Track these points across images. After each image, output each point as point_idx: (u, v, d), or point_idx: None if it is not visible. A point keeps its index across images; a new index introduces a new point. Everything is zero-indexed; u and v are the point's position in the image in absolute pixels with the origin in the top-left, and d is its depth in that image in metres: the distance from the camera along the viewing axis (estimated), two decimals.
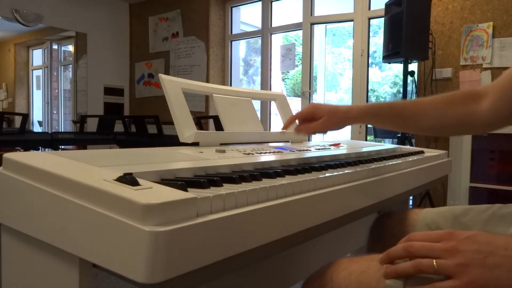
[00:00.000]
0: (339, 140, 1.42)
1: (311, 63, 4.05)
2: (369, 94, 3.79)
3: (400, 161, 1.03)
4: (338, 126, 0.94)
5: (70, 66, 5.62)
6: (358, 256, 0.68)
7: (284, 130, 1.06)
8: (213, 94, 1.13)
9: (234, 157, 0.83)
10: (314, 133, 0.96)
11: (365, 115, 0.92)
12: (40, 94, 5.79)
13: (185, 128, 0.97)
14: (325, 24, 4.49)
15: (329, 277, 0.67)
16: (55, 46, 5.70)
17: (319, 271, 0.70)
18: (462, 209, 0.92)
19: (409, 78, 2.95)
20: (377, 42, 4.62)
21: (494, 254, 0.49)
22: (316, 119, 0.93)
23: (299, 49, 4.49)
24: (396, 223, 1.00)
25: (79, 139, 3.77)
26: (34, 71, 5.85)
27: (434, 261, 0.51)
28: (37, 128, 5.82)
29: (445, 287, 0.50)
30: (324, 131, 0.94)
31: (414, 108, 0.89)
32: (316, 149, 1.14)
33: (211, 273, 0.47)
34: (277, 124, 4.49)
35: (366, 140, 3.79)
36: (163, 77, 1.00)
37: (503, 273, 0.48)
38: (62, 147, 3.58)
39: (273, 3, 4.43)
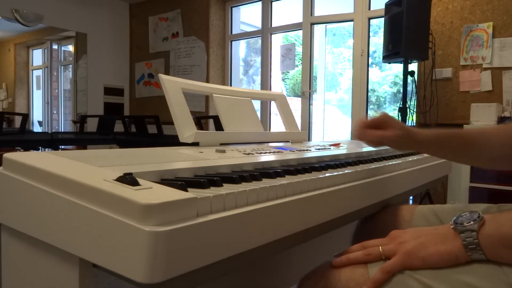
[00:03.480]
0: (339, 140, 1.42)
1: (311, 63, 4.05)
2: (369, 94, 3.79)
3: (400, 161, 1.03)
4: (405, 145, 0.85)
5: (70, 66, 5.61)
6: None
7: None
8: (213, 94, 1.13)
9: (234, 157, 0.83)
10: (379, 143, 0.85)
11: (433, 143, 0.84)
12: (40, 94, 5.79)
13: (185, 128, 0.97)
14: (325, 24, 4.49)
15: (320, 275, 0.69)
16: (55, 46, 5.70)
17: (313, 270, 0.72)
18: (460, 207, 0.92)
19: (409, 78, 2.95)
20: (377, 42, 4.62)
21: (424, 233, 0.63)
22: (381, 129, 0.85)
23: (299, 49, 4.49)
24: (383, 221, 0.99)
25: (79, 139, 3.76)
26: (34, 71, 5.85)
27: (380, 247, 0.64)
28: (37, 128, 5.81)
29: (388, 264, 0.61)
30: (390, 144, 0.84)
31: (483, 136, 0.80)
32: (316, 149, 1.14)
33: (211, 273, 0.47)
34: (277, 124, 4.49)
35: None
36: (163, 77, 1.00)
37: (428, 239, 0.61)
38: (62, 147, 3.58)
39: (273, 3, 4.43)
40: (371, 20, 3.70)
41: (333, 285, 0.66)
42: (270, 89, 4.47)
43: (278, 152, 0.98)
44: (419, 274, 0.60)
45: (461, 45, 3.04)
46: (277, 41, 4.95)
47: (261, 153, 0.93)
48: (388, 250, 0.62)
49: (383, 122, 0.85)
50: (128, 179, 0.48)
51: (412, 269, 0.60)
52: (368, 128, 0.85)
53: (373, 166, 0.89)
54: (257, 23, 4.60)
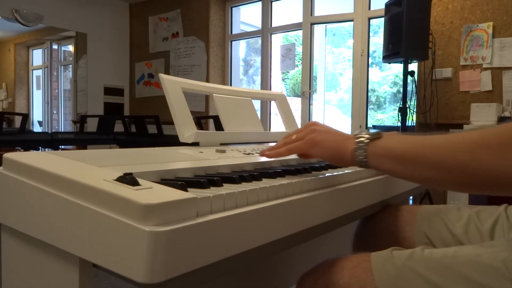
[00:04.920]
0: None
1: (311, 63, 4.05)
2: (369, 94, 3.79)
3: None
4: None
5: (70, 66, 5.61)
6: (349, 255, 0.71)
7: None
8: (213, 94, 1.12)
9: (234, 157, 0.83)
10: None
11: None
12: (40, 94, 5.79)
13: (185, 128, 0.97)
14: (325, 24, 4.49)
15: (321, 272, 0.69)
16: (55, 46, 5.70)
17: (312, 268, 0.72)
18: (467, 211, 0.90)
19: (409, 78, 2.95)
20: (377, 42, 4.62)
21: (332, 132, 0.72)
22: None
23: (299, 49, 4.49)
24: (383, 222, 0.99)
25: (79, 139, 3.76)
26: (34, 71, 5.85)
27: (294, 136, 0.75)
28: (37, 128, 5.81)
29: (293, 145, 0.73)
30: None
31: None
32: None
33: (211, 273, 0.47)
34: (277, 124, 4.49)
35: None
36: (163, 77, 0.99)
37: (330, 137, 0.70)
38: (62, 147, 3.58)
39: (273, 3, 4.43)
40: (371, 20, 3.70)
41: (334, 282, 0.66)
42: (270, 89, 4.47)
43: None
44: (421, 268, 0.61)
45: (461, 45, 3.04)
46: (277, 41, 4.95)
47: None
48: (299, 136, 0.74)
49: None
50: (128, 179, 0.48)
51: (309, 156, 0.74)
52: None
53: None
54: (257, 23, 4.60)
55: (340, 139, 0.70)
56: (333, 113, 6.61)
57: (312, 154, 0.72)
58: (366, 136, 0.66)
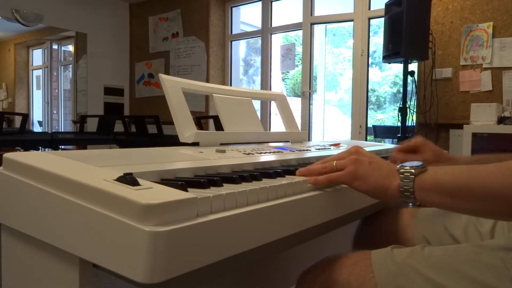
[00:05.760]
0: (339, 140, 1.42)
1: (311, 63, 4.05)
2: (369, 94, 3.79)
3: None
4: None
5: (70, 66, 5.61)
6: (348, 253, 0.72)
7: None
8: (213, 94, 1.12)
9: (234, 157, 0.83)
10: None
11: None
12: (40, 94, 5.79)
13: (185, 128, 0.97)
14: (325, 24, 4.49)
15: (321, 270, 0.69)
16: (55, 46, 5.70)
17: (312, 265, 0.73)
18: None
19: (409, 78, 2.95)
20: (377, 42, 4.62)
21: (376, 165, 0.67)
22: (416, 153, 0.90)
23: (299, 49, 4.49)
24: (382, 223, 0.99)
25: (79, 139, 3.76)
26: (34, 71, 5.85)
27: (334, 162, 0.69)
28: (37, 128, 5.82)
29: (333, 175, 0.68)
30: None
31: None
32: (316, 149, 1.14)
33: (211, 273, 0.47)
34: (277, 124, 4.49)
35: (366, 140, 3.79)
36: (163, 77, 0.99)
37: (375, 169, 0.66)
38: (62, 147, 3.57)
39: (273, 3, 4.43)
40: (371, 20, 3.70)
41: (334, 280, 0.66)
42: (270, 89, 4.46)
43: (278, 152, 0.98)
44: (422, 267, 0.61)
45: (461, 45, 3.04)
46: (277, 41, 4.95)
47: (261, 153, 0.93)
48: (340, 164, 0.69)
49: (417, 146, 0.90)
50: (128, 179, 0.48)
51: (350, 186, 0.68)
52: (402, 152, 0.91)
53: None
54: (257, 23, 4.60)
55: (384, 174, 0.66)
56: (333, 113, 6.61)
57: (353, 187, 0.68)
58: (412, 170, 0.63)
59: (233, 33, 4.75)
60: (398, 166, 0.65)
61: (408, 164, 0.64)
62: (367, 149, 1.22)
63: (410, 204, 0.66)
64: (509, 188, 0.54)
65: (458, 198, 0.59)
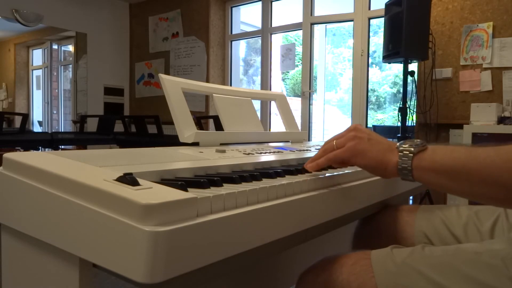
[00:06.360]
0: None
1: (311, 63, 4.05)
2: (369, 94, 3.79)
3: None
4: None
5: (70, 66, 5.61)
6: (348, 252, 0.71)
7: None
8: (213, 94, 1.13)
9: (234, 157, 0.83)
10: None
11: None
12: (40, 94, 5.78)
13: (185, 128, 0.97)
14: (325, 24, 4.49)
15: (321, 269, 0.69)
16: (55, 46, 5.69)
17: (313, 265, 0.73)
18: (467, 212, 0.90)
19: (409, 78, 2.95)
20: (377, 42, 4.62)
21: (375, 141, 0.67)
22: None
23: (299, 49, 4.49)
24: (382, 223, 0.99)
25: (79, 139, 3.76)
26: (34, 71, 5.84)
27: (334, 141, 0.70)
28: (37, 128, 5.81)
29: (332, 153, 0.69)
30: None
31: None
32: (316, 149, 1.14)
33: (211, 273, 0.47)
34: (277, 124, 4.49)
35: None
36: (163, 77, 0.99)
37: (374, 146, 0.67)
38: (62, 147, 3.57)
39: (273, 3, 4.43)
40: (371, 20, 3.70)
41: (334, 279, 0.66)
42: (270, 89, 4.46)
43: (278, 152, 0.98)
44: (421, 266, 0.61)
45: (461, 45, 3.04)
46: (277, 41, 4.95)
47: (261, 153, 0.93)
48: (339, 143, 0.69)
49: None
50: (128, 179, 0.48)
51: (348, 165, 0.70)
52: None
53: None
54: (257, 23, 4.60)
55: (383, 149, 0.66)
56: (333, 113, 6.61)
57: (353, 163, 0.69)
58: (411, 149, 0.63)
59: (233, 33, 4.75)
60: (397, 144, 0.65)
61: (408, 142, 0.64)
62: None
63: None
64: (507, 173, 0.54)
65: (455, 179, 0.59)
